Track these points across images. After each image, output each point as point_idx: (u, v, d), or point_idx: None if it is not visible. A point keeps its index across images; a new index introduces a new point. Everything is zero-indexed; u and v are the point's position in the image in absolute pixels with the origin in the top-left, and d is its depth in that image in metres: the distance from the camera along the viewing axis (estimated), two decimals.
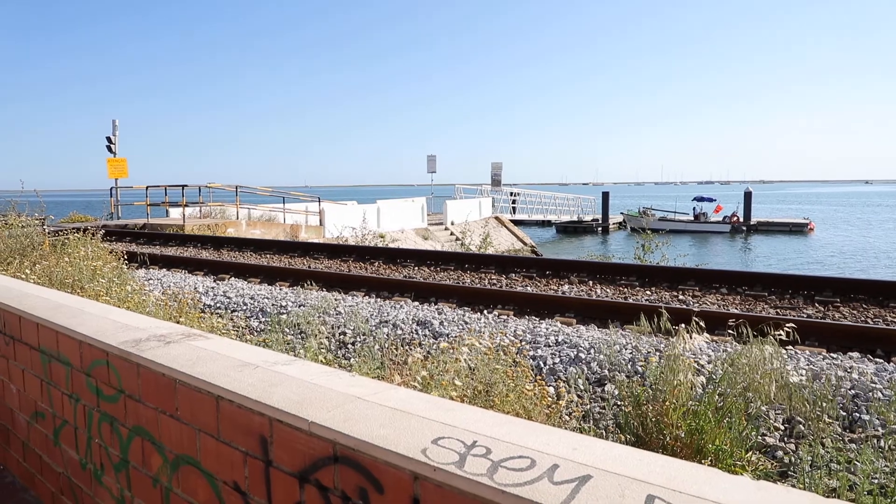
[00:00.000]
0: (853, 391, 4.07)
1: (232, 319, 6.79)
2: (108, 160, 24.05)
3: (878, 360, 4.78)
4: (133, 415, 2.12)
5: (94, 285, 5.87)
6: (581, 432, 3.54)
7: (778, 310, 6.88)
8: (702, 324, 4.00)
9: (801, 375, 4.20)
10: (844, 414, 3.84)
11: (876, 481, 3.02)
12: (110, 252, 7.65)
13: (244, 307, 7.24)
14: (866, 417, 3.76)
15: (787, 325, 4.26)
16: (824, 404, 3.84)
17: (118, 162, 24.11)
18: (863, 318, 6.41)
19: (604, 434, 3.82)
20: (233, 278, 9.59)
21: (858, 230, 47.43)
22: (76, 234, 7.65)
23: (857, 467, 3.13)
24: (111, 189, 23.74)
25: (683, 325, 3.81)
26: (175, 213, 21.54)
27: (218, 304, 7.41)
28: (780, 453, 3.54)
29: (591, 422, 4.05)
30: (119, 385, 2.17)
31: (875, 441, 3.53)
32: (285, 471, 1.54)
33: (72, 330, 2.41)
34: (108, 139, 24.46)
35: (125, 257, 7.69)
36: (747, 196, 45.55)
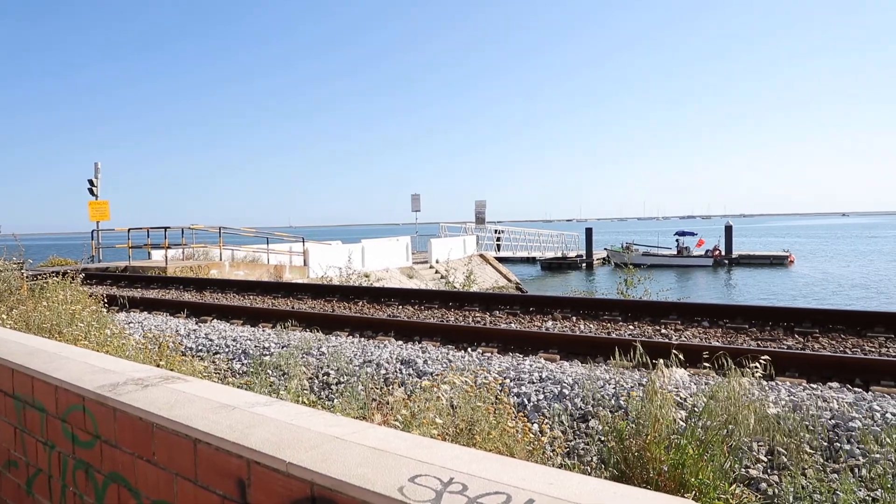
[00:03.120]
0: (833, 421, 4.11)
1: (214, 362, 6.71)
2: (89, 203, 23.90)
3: (856, 389, 4.83)
4: (109, 461, 2.09)
5: (72, 329, 5.80)
6: (565, 468, 3.52)
7: (759, 342, 6.94)
8: (681, 356, 4.04)
9: (782, 406, 4.23)
10: (826, 444, 3.87)
11: None
12: (90, 296, 7.57)
13: (226, 349, 7.17)
14: (847, 447, 3.78)
15: (763, 356, 4.31)
16: (805, 435, 3.86)
17: (100, 205, 23.97)
18: (841, 349, 6.48)
19: (588, 470, 3.80)
20: (215, 320, 9.50)
21: (838, 262, 48.15)
22: (55, 278, 7.57)
23: (839, 497, 3.14)
24: (92, 232, 23.54)
25: (662, 360, 3.84)
26: (157, 256, 21.35)
27: (200, 347, 7.33)
28: (763, 485, 3.55)
29: (576, 458, 4.04)
30: (95, 430, 2.15)
31: (856, 470, 3.55)
32: None
33: (48, 375, 2.38)
34: (90, 182, 24.34)
35: (105, 301, 7.61)
36: (728, 230, 46.26)
